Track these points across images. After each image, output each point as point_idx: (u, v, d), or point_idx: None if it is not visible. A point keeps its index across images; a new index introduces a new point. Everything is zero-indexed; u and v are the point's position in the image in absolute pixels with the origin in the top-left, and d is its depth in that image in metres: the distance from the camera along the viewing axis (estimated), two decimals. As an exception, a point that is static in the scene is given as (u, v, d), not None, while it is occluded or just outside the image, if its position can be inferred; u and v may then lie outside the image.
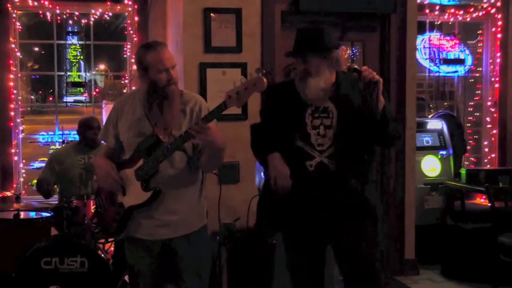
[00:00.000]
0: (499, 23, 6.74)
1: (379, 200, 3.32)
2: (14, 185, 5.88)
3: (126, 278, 4.74)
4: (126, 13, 6.23)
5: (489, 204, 5.23)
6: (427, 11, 6.54)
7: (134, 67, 6.01)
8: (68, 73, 6.21)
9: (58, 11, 5.97)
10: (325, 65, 3.09)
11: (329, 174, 3.07)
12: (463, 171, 6.00)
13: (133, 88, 6.08)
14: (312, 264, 3.27)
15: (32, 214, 4.73)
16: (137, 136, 3.08)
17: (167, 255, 3.14)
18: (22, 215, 4.58)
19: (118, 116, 3.19)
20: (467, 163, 6.84)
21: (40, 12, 6.03)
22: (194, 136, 2.83)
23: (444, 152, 6.25)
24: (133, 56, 6.06)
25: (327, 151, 3.08)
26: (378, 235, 3.16)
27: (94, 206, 4.50)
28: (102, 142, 5.19)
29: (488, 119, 6.89)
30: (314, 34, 3.16)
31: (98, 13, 6.05)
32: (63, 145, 5.77)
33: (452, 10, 6.67)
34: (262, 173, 4.27)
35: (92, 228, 4.49)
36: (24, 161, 6.11)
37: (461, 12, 6.71)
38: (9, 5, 5.80)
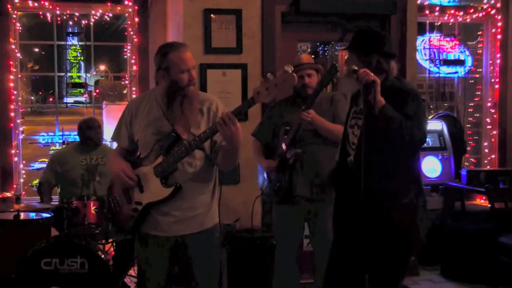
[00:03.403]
0: (499, 24, 6.74)
1: (410, 210, 3.16)
2: (14, 186, 5.88)
3: (126, 279, 4.76)
4: (126, 14, 6.24)
5: (489, 205, 5.23)
6: (427, 12, 6.53)
7: (135, 67, 6.06)
8: (68, 74, 6.22)
9: (58, 12, 5.97)
10: (362, 66, 3.11)
11: (352, 172, 3.13)
12: (463, 172, 6.00)
13: (133, 89, 6.08)
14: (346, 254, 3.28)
15: (32, 215, 4.72)
16: (155, 134, 3.11)
17: (179, 252, 3.16)
18: (22, 215, 4.57)
19: (132, 116, 3.22)
20: (467, 164, 6.83)
21: (40, 13, 6.03)
22: (221, 128, 2.87)
23: (444, 153, 6.25)
24: (134, 57, 6.07)
25: (355, 150, 3.18)
26: (392, 243, 3.12)
27: (94, 207, 4.52)
28: (104, 142, 5.21)
29: (488, 120, 6.89)
30: (361, 35, 3.25)
31: (98, 14, 6.04)
32: (64, 146, 5.77)
33: (452, 11, 6.67)
34: (264, 175, 4.28)
35: (92, 229, 4.49)
36: (24, 162, 6.11)
37: (461, 13, 6.70)
38: (9, 6, 5.80)
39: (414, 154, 3.18)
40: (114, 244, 4.71)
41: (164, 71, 3.06)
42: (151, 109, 3.17)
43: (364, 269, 3.25)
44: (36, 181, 5.16)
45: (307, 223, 4.25)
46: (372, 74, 2.99)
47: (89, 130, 5.04)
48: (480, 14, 6.70)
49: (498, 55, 6.77)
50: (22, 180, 6.03)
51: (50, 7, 5.91)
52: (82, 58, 6.49)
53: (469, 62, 6.93)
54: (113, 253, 4.80)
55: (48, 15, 6.00)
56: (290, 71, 2.77)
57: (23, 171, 6.08)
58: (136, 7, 6.03)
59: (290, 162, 4.06)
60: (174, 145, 3.04)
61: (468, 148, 6.81)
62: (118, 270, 4.51)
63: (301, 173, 4.08)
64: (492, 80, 6.84)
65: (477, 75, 6.99)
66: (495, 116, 6.83)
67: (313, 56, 6.89)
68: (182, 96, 3.05)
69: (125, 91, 6.41)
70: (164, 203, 3.09)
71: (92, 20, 6.09)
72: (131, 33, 6.12)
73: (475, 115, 7.02)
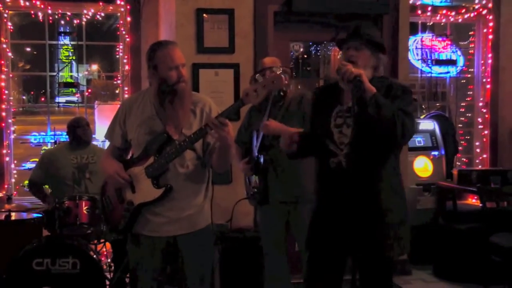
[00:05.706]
0: (491, 24, 6.77)
1: (400, 204, 3.16)
2: (6, 186, 5.86)
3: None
4: (119, 14, 6.22)
5: (481, 205, 5.25)
6: (419, 12, 6.55)
7: (127, 67, 6.05)
8: (60, 74, 6.20)
9: (50, 11, 5.96)
10: (371, 63, 3.11)
11: (343, 172, 3.07)
12: (455, 172, 6.02)
13: (126, 88, 6.07)
14: (330, 267, 3.20)
15: (24, 215, 4.71)
16: (148, 134, 3.11)
17: (171, 253, 3.15)
18: (14, 215, 4.55)
19: (126, 115, 3.22)
20: (459, 163, 6.86)
21: (32, 12, 6.01)
22: (212, 130, 2.87)
23: (436, 153, 6.27)
24: (126, 57, 6.06)
25: (345, 150, 3.09)
26: (388, 240, 3.11)
27: (86, 207, 4.50)
28: (95, 142, 5.19)
29: (479, 119, 6.91)
30: (370, 30, 3.21)
31: (90, 14, 6.03)
32: (55, 146, 5.76)
33: (444, 11, 6.69)
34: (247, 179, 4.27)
35: (84, 229, 4.48)
36: (15, 161, 6.09)
37: (453, 13, 6.73)
38: (0, 5, 5.78)
39: (398, 157, 3.18)
40: (111, 244, 4.72)
41: (153, 70, 3.06)
42: (145, 109, 3.17)
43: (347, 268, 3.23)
44: (27, 181, 5.15)
45: (290, 224, 4.23)
46: (353, 68, 2.95)
47: (78, 129, 5.04)
48: (472, 14, 6.73)
49: (490, 55, 6.80)
50: (13, 180, 6.01)
51: (42, 6, 5.89)
52: (74, 57, 6.48)
53: (460, 62, 6.96)
54: (105, 252, 4.79)
55: (40, 14, 5.99)
56: (279, 73, 2.78)
57: (15, 171, 6.06)
58: (128, 7, 6.02)
59: (262, 167, 4.06)
60: (165, 146, 3.04)
61: (460, 147, 6.84)
62: (118, 269, 4.52)
63: (274, 177, 4.06)
64: (484, 80, 6.86)
65: (469, 75, 7.01)
66: (486, 116, 6.86)
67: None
68: (172, 93, 3.04)
69: (117, 91, 6.40)
70: (155, 204, 3.09)
71: (84, 19, 6.07)
72: (123, 32, 6.11)
73: (467, 115, 7.05)
